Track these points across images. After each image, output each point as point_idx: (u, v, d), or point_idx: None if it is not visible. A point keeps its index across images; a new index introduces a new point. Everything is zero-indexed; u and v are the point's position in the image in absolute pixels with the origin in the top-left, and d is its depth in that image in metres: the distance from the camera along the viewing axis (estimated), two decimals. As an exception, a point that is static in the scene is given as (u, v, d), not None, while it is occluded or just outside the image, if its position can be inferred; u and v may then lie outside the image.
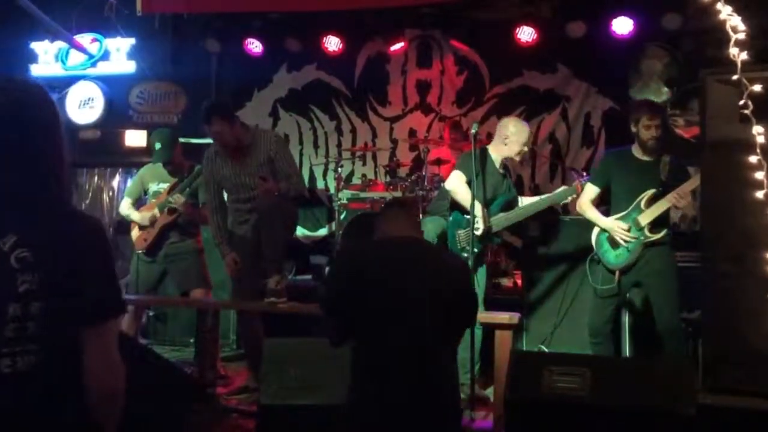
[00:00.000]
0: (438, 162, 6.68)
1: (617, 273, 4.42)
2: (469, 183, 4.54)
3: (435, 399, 2.61)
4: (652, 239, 4.35)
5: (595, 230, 4.58)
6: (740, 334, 3.12)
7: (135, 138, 7.89)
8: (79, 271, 1.63)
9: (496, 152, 4.79)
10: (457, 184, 4.63)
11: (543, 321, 5.31)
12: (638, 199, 4.39)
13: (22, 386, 1.60)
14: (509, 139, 4.72)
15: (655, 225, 4.35)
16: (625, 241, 4.38)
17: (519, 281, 5.82)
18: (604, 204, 4.71)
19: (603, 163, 4.74)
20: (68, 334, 1.63)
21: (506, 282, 6.24)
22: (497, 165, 4.79)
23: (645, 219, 4.35)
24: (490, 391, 4.53)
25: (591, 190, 4.60)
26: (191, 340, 6.01)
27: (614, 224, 4.42)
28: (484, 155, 4.73)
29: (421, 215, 5.36)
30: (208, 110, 4.63)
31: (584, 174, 4.98)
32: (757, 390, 3.07)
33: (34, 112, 1.70)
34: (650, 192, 4.38)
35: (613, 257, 4.45)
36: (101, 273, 1.68)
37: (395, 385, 2.57)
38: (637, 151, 4.48)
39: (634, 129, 4.44)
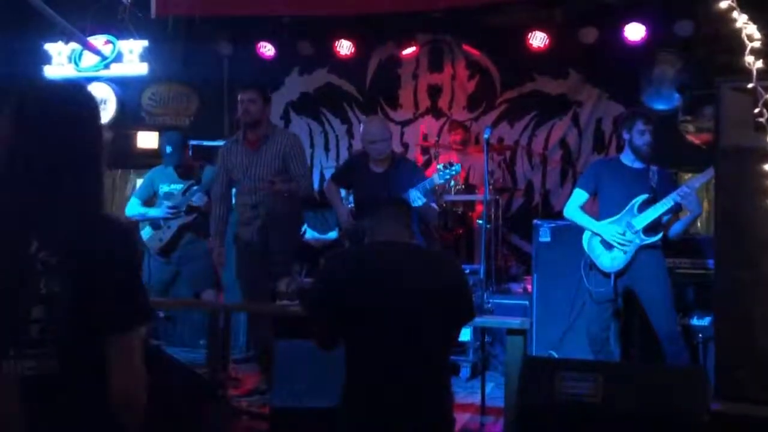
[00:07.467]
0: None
1: (612, 276, 4.42)
2: None
3: (429, 404, 2.59)
4: (647, 242, 4.35)
5: (586, 235, 4.56)
6: (754, 341, 3.13)
7: (147, 140, 7.92)
8: (104, 277, 1.63)
9: None
10: None
11: (553, 326, 5.31)
12: (631, 204, 4.42)
13: (44, 389, 1.60)
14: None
15: (650, 229, 4.37)
16: (621, 244, 4.38)
17: (529, 286, 5.82)
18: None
19: (592, 169, 4.77)
20: (92, 339, 1.63)
21: (517, 287, 6.24)
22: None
23: (639, 223, 4.36)
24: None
25: (579, 196, 4.61)
26: (202, 342, 6.02)
27: (609, 227, 4.42)
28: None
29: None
30: (249, 82, 4.88)
31: None
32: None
33: (84, 123, 1.73)
34: (643, 197, 4.40)
35: (608, 260, 4.44)
36: (126, 280, 1.68)
37: (389, 387, 2.56)
38: (627, 159, 4.51)
39: (626, 135, 4.47)
